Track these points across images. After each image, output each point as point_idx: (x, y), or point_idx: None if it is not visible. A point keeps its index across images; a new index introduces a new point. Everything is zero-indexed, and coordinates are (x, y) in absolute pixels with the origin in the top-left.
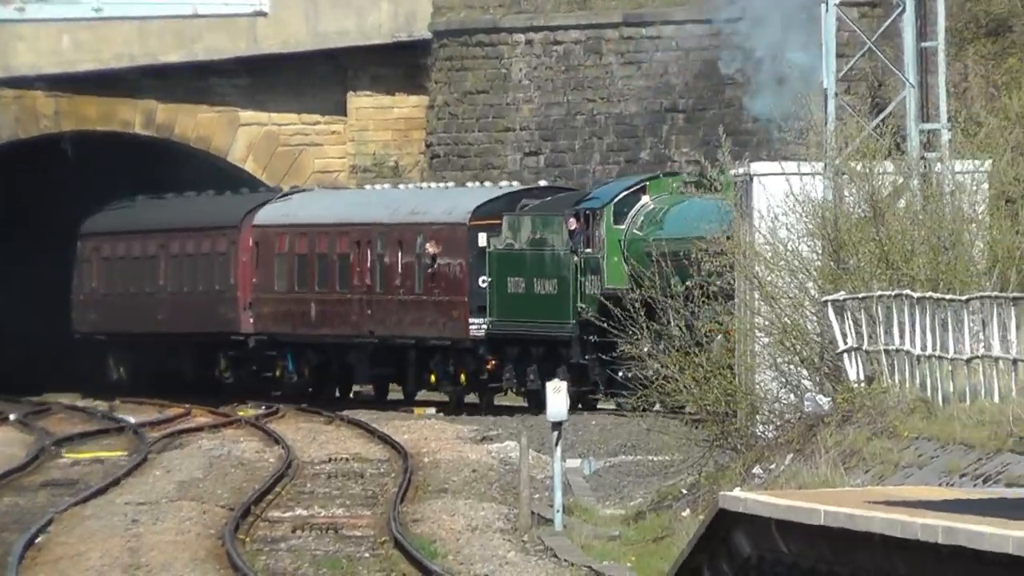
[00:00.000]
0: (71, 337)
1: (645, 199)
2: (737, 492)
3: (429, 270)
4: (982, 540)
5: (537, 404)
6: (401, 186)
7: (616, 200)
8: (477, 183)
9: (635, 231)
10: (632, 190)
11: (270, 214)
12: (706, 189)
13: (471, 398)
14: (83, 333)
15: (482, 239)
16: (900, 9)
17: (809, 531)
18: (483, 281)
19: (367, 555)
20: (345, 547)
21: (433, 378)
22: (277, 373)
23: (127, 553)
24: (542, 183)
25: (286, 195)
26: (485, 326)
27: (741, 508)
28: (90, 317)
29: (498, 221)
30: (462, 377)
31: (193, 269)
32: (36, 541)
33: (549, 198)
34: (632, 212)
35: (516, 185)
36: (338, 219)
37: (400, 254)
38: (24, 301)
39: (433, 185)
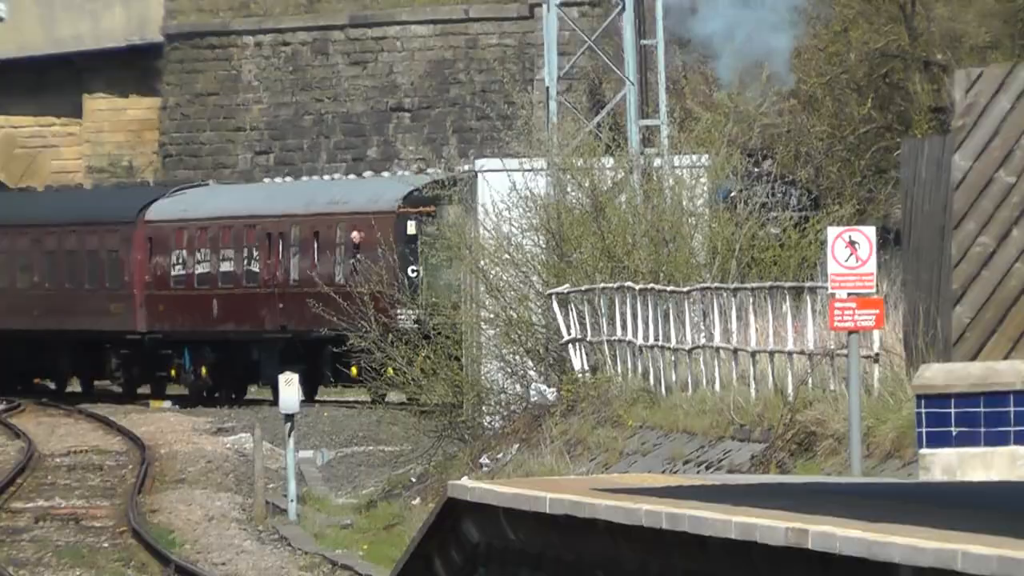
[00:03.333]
0: None
1: None
2: (465, 481)
3: (351, 260)
4: (705, 525)
5: None
6: (289, 179)
7: None
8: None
9: None
10: None
11: (166, 209)
12: None
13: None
14: None
15: (411, 227)
16: (620, 8)
17: (535, 518)
18: (412, 271)
19: (107, 545)
20: (86, 537)
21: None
22: (173, 372)
23: None
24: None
25: (179, 190)
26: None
27: (469, 497)
28: None
29: (430, 209)
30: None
31: (78, 266)
32: None
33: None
34: None
35: (427, 175)
36: (245, 212)
37: (316, 246)
38: None
39: (336, 176)
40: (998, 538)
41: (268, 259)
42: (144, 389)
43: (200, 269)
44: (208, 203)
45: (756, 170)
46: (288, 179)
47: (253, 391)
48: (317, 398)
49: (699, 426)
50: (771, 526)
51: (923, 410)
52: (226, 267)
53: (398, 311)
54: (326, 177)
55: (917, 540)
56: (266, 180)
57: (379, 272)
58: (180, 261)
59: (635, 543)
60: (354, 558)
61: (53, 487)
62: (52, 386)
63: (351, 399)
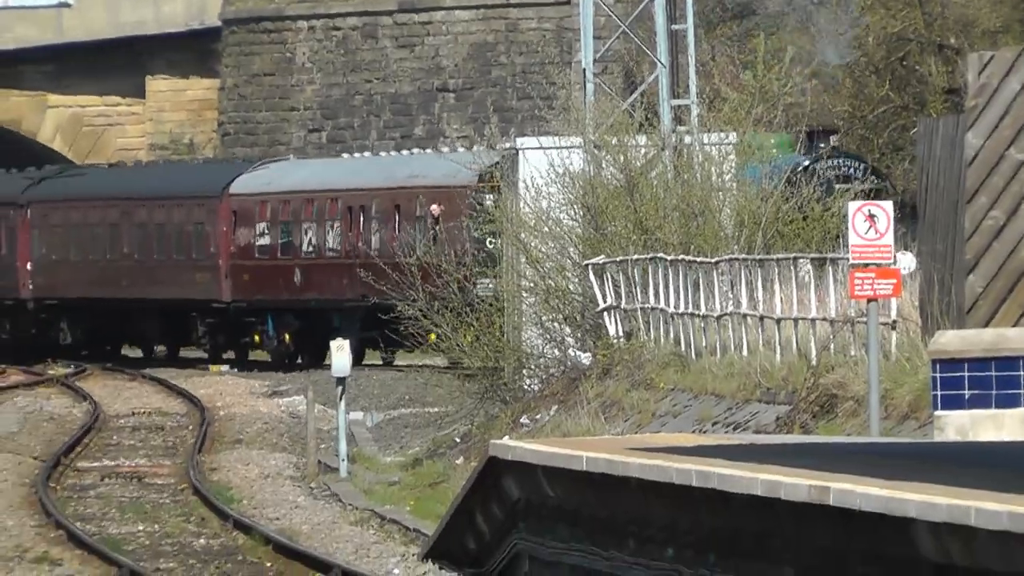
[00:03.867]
0: None
1: None
2: (506, 440)
3: (431, 232)
4: (732, 483)
5: None
6: (367, 154)
7: None
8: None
9: None
10: None
11: (249, 184)
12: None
13: None
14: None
15: (488, 201)
16: None
17: (572, 476)
18: (489, 243)
19: (168, 501)
20: (149, 494)
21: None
22: (256, 338)
23: None
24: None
25: (262, 164)
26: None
27: (510, 456)
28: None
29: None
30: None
31: (166, 238)
32: None
33: None
34: None
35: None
36: (327, 186)
37: (397, 218)
38: None
39: (416, 151)
40: (1009, 495)
41: (349, 231)
42: (229, 355)
43: (283, 240)
44: (290, 177)
45: (822, 146)
46: (367, 154)
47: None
48: (365, 362)
49: (727, 389)
50: (794, 483)
51: (938, 374)
52: (308, 238)
53: (477, 281)
54: (393, 153)
55: (932, 496)
56: (344, 156)
57: (462, 242)
58: (264, 233)
59: (666, 500)
60: (402, 513)
61: (118, 447)
62: (140, 353)
63: (403, 364)
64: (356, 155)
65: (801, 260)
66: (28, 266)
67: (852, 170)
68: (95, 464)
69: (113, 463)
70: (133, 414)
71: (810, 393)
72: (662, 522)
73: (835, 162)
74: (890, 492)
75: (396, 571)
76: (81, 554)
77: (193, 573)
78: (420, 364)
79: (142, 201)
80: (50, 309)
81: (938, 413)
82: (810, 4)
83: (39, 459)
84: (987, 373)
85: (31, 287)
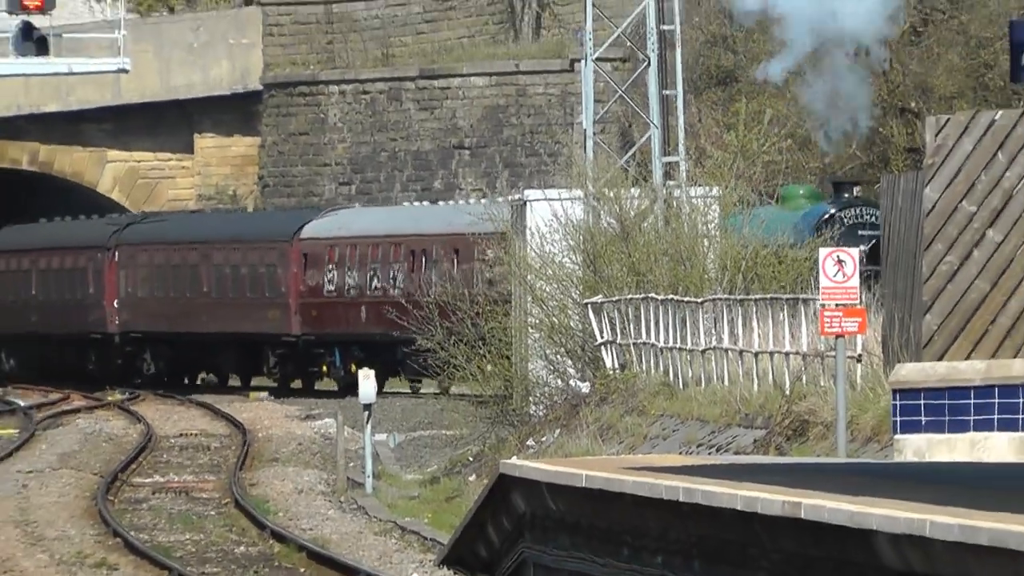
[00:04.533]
0: None
1: None
2: (514, 460)
3: (487, 275)
4: (715, 498)
5: None
6: (424, 203)
7: None
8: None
9: None
10: None
11: (318, 229)
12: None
13: None
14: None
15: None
16: (646, 64)
17: (573, 492)
18: None
19: (213, 513)
20: (195, 506)
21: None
22: (324, 368)
23: (18, 512)
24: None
25: (331, 211)
26: None
27: (517, 473)
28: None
29: None
30: None
31: (241, 278)
32: None
33: None
34: None
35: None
36: (391, 231)
37: (456, 261)
38: None
39: (472, 201)
40: (960, 509)
41: (411, 272)
42: (296, 384)
43: (350, 280)
44: (356, 223)
45: (846, 196)
46: (426, 203)
47: (395, 384)
48: (387, 390)
49: (710, 415)
50: (770, 499)
51: (898, 402)
52: (373, 279)
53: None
54: (451, 203)
55: (892, 511)
56: (405, 204)
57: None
58: (331, 273)
59: (657, 512)
60: (420, 524)
61: (168, 464)
62: (215, 380)
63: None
64: (415, 204)
65: (776, 300)
66: (115, 303)
67: (872, 217)
68: (148, 480)
69: (164, 479)
70: (182, 435)
71: (784, 419)
72: (654, 532)
73: (856, 211)
74: (855, 507)
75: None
76: (135, 559)
77: None
78: (438, 393)
79: (220, 244)
80: (134, 342)
81: (898, 437)
82: (787, 74)
83: (98, 475)
84: (941, 401)
85: (117, 322)
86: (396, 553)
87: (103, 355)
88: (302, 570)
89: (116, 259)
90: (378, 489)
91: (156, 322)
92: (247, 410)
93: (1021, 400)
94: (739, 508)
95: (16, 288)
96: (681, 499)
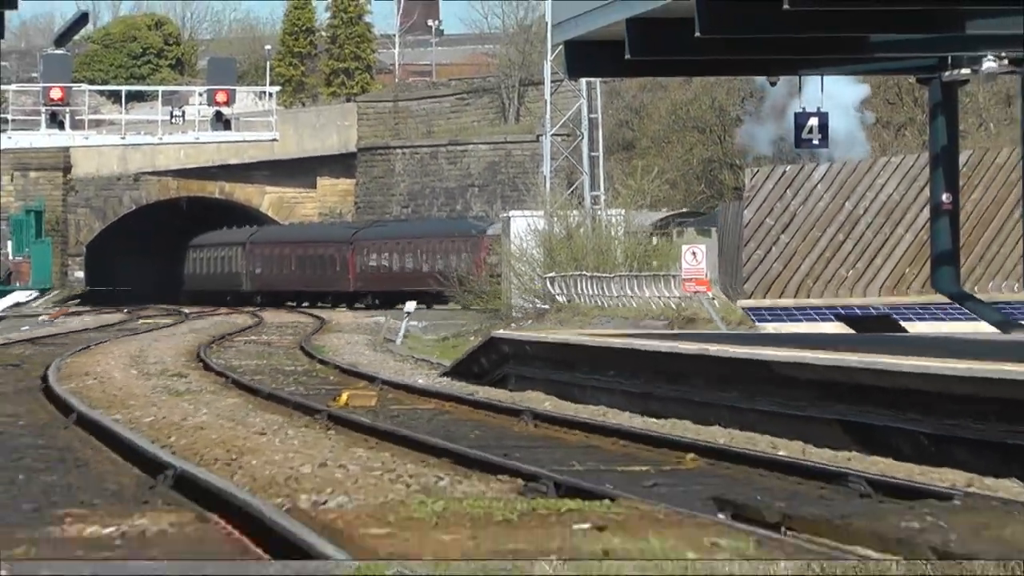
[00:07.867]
0: (169, 291)
1: None
2: (500, 331)
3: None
4: (640, 348)
5: None
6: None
7: None
8: None
9: None
10: None
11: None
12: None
13: None
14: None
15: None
16: (581, 137)
17: (542, 344)
18: None
19: (281, 353)
20: (269, 349)
21: None
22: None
23: (137, 350)
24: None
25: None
26: None
27: (503, 335)
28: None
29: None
30: None
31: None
32: (91, 347)
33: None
34: None
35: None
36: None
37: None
38: (148, 275)
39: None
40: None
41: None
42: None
43: (384, 263)
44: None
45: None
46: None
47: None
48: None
49: (629, 314)
50: (688, 345)
51: (749, 311)
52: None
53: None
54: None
55: (776, 351)
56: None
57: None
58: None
59: (602, 359)
60: (430, 357)
61: (265, 333)
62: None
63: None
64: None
65: (657, 275)
66: (355, 275)
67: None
68: (245, 339)
69: (256, 338)
70: (281, 325)
71: (679, 315)
72: (600, 365)
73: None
74: (748, 349)
75: (420, 380)
76: (205, 372)
77: (277, 381)
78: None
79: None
80: (363, 295)
81: (758, 324)
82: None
83: (211, 337)
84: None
85: (352, 287)
86: (409, 371)
87: (342, 299)
88: (331, 378)
89: (353, 249)
90: (405, 343)
91: (380, 283)
92: (328, 314)
93: (796, 314)
94: (663, 350)
95: (281, 266)
96: (616, 347)
